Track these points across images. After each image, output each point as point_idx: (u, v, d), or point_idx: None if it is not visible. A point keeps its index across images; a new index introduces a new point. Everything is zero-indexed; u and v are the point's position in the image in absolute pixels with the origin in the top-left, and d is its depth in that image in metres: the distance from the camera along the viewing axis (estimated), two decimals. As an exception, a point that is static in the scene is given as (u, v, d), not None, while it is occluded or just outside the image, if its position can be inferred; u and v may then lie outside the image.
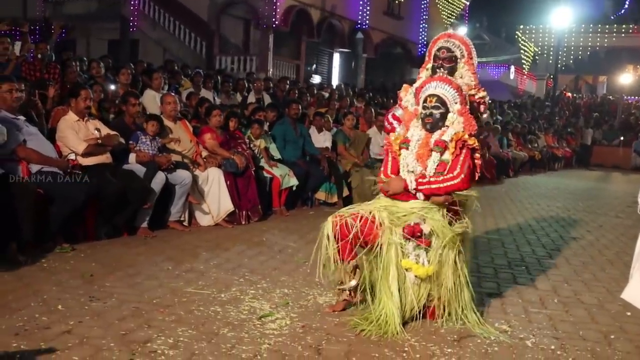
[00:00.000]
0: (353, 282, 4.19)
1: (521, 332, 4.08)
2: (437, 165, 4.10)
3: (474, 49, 4.57)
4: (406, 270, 4.01)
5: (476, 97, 4.49)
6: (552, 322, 4.34)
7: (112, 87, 8.65)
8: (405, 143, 4.26)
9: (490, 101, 5.06)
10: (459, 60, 4.49)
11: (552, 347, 3.85)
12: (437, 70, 4.45)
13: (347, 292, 4.24)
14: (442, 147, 4.10)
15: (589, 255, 6.66)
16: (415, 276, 4.00)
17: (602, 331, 4.20)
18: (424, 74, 4.62)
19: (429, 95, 4.20)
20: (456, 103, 4.18)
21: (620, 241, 7.63)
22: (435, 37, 4.64)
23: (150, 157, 6.48)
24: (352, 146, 9.59)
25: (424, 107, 4.22)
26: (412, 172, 4.16)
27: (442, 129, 4.17)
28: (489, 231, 7.69)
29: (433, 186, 4.06)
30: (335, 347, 3.61)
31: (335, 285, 4.29)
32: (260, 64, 19.59)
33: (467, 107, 4.27)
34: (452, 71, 4.46)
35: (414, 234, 3.98)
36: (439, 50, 4.48)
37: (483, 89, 4.56)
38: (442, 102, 4.17)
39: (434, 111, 4.17)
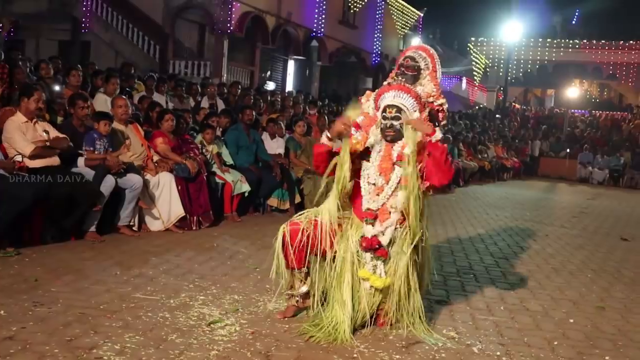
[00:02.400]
0: (304, 288, 4.19)
1: (468, 338, 4.15)
2: (400, 180, 4.06)
3: (439, 63, 4.69)
4: (363, 279, 4.02)
5: (435, 104, 4.56)
6: (499, 328, 4.42)
7: (57, 87, 8.48)
8: (367, 155, 4.17)
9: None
10: (422, 71, 4.59)
11: (498, 353, 3.92)
12: (399, 77, 4.52)
13: (297, 298, 4.24)
14: (404, 161, 4.05)
15: (535, 264, 6.80)
16: (371, 286, 4.02)
17: (546, 337, 4.30)
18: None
19: (388, 106, 4.16)
20: (415, 111, 4.16)
21: (566, 250, 7.82)
22: (406, 48, 4.79)
23: (100, 160, 6.38)
24: (304, 153, 9.61)
25: (384, 118, 4.18)
26: (374, 184, 4.11)
27: (404, 140, 4.11)
28: (439, 239, 7.79)
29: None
30: (285, 354, 3.61)
31: (285, 291, 4.28)
32: (214, 69, 19.46)
33: (426, 114, 4.30)
34: (413, 81, 4.55)
35: (371, 246, 4.00)
36: (404, 59, 4.62)
37: (443, 96, 4.65)
38: (401, 112, 4.15)
39: (394, 122, 4.12)
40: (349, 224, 4.17)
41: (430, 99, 4.56)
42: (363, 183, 4.15)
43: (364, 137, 4.17)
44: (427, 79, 4.60)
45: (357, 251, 4.04)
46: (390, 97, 4.18)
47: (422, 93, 4.41)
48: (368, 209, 4.08)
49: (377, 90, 4.42)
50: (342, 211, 4.14)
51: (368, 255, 4.03)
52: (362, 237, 4.06)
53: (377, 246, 4.00)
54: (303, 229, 4.04)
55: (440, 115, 4.66)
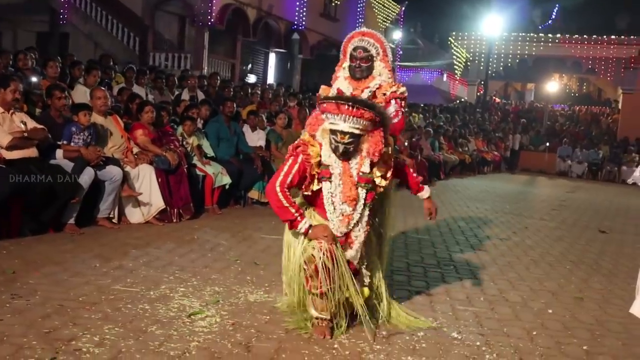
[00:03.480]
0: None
1: (448, 328, 4.17)
2: (366, 198, 3.86)
3: (388, 46, 4.52)
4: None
5: (398, 92, 4.43)
6: (478, 319, 4.45)
7: (34, 79, 8.38)
8: (328, 177, 3.82)
9: (423, 105, 5.06)
10: (375, 58, 4.42)
11: (478, 343, 3.95)
12: (356, 69, 4.36)
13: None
14: (368, 183, 3.84)
15: (515, 256, 6.85)
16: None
17: (525, 328, 4.33)
18: (340, 73, 4.52)
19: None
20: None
21: (545, 242, 7.89)
22: (349, 35, 4.52)
23: (79, 152, 6.31)
24: (285, 145, 9.58)
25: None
26: (342, 212, 3.81)
27: (359, 156, 3.80)
28: (420, 231, 7.82)
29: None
30: (265, 345, 3.61)
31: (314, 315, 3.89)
32: (195, 62, 19.35)
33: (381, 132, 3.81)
34: (369, 70, 4.40)
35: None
36: (355, 50, 4.38)
37: (401, 84, 4.50)
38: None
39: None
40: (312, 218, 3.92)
41: (393, 88, 4.37)
42: (328, 206, 3.83)
43: (311, 140, 3.89)
44: (382, 66, 4.43)
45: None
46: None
47: (383, 84, 4.34)
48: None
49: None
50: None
51: None
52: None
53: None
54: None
55: (403, 102, 4.47)
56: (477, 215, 9.87)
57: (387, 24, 30.04)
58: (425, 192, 4.31)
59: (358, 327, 4.01)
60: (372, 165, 3.83)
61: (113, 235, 6.24)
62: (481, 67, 31.78)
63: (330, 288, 3.73)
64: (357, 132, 3.69)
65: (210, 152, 8.44)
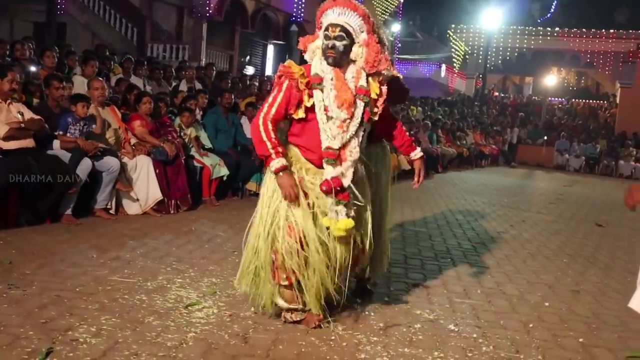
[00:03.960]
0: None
1: (445, 321, 4.18)
2: (363, 113, 3.68)
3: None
4: (327, 229, 3.63)
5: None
6: (475, 311, 4.45)
7: (33, 68, 8.35)
8: (318, 83, 3.63)
9: (421, 98, 4.97)
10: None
11: (474, 335, 3.96)
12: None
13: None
14: (367, 95, 3.68)
15: (512, 249, 6.86)
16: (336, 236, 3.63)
17: (522, 320, 4.34)
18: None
19: (331, 25, 3.65)
20: (362, 32, 3.69)
21: (542, 236, 7.89)
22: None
23: (75, 143, 6.30)
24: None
25: (326, 37, 3.66)
26: (335, 118, 3.62)
27: (355, 69, 3.68)
28: (417, 224, 7.82)
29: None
30: (263, 336, 3.61)
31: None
32: (193, 53, 19.32)
33: (375, 37, 3.70)
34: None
35: (331, 189, 3.58)
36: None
37: (394, 66, 3.98)
38: (346, 33, 3.64)
39: (337, 43, 3.63)
40: (301, 170, 3.72)
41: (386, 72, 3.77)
42: (320, 116, 3.61)
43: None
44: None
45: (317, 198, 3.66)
46: (334, 15, 3.66)
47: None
48: (328, 147, 3.62)
49: (319, 7, 3.77)
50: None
51: (329, 200, 3.62)
52: (322, 180, 3.63)
53: (338, 188, 3.60)
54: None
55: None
56: (475, 209, 9.87)
57: (386, 17, 30.00)
58: (417, 152, 4.25)
59: (355, 318, 4.02)
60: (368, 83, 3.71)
61: (110, 226, 6.23)
62: (480, 61, 31.66)
63: (302, 277, 3.64)
64: (348, 27, 3.61)
65: (207, 143, 8.43)
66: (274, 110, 3.64)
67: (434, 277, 5.33)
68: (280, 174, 3.58)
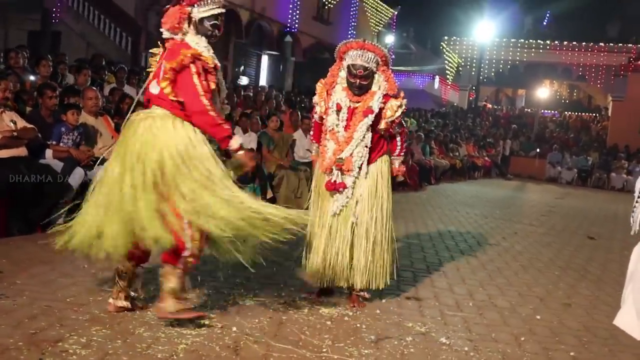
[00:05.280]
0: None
1: (437, 334, 4.18)
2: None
3: (389, 56, 4.65)
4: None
5: (403, 108, 4.56)
6: (467, 324, 4.46)
7: (32, 77, 8.35)
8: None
9: (412, 108, 5.17)
10: (375, 71, 4.49)
11: (466, 348, 3.96)
12: (354, 87, 4.46)
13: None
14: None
15: (504, 261, 6.87)
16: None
17: (513, 333, 4.35)
18: (339, 81, 4.57)
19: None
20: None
21: (534, 248, 7.92)
22: (347, 42, 4.53)
23: (68, 152, 6.28)
24: (276, 148, 9.58)
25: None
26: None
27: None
28: (410, 236, 7.83)
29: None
30: (254, 347, 3.60)
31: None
32: (187, 63, 19.29)
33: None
34: (369, 86, 4.49)
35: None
36: (355, 68, 4.42)
37: (403, 96, 4.58)
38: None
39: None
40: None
41: (398, 113, 4.52)
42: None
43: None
44: (382, 78, 4.52)
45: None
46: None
47: (384, 104, 4.49)
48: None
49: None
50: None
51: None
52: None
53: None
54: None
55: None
56: (467, 220, 9.89)
57: (380, 28, 30.09)
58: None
59: (347, 331, 4.02)
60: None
61: (102, 236, 6.19)
62: (473, 73, 31.85)
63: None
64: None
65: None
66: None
67: (426, 289, 5.33)
68: (241, 151, 3.91)
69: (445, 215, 10.40)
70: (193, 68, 3.77)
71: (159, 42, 4.05)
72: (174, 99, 3.78)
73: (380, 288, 4.62)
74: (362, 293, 4.61)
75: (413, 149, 15.43)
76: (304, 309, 4.40)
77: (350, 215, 4.47)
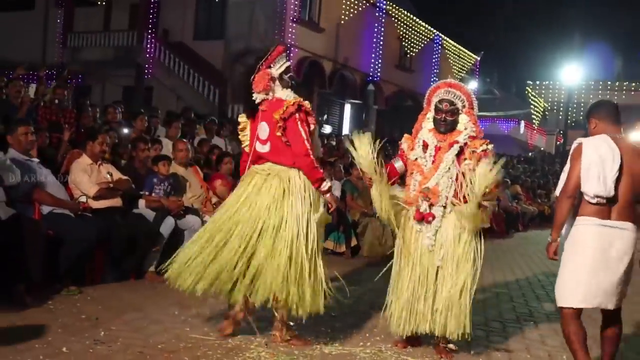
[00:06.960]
0: None
1: (529, 388, 4.03)
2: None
3: (474, 98, 4.63)
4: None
5: (487, 150, 4.47)
6: (561, 378, 4.28)
7: (126, 131, 8.77)
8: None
9: (497, 154, 5.06)
10: (460, 111, 4.53)
11: (561, 404, 3.79)
12: (441, 123, 4.50)
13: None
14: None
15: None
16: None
17: (612, 389, 4.13)
18: (425, 124, 4.65)
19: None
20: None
21: (637, 296, 7.52)
22: (434, 85, 4.70)
23: (160, 202, 6.52)
24: (360, 196, 9.61)
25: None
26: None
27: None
28: (498, 285, 7.63)
29: None
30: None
31: None
32: (272, 113, 19.75)
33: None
34: (454, 123, 4.51)
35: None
36: (440, 102, 4.51)
37: (488, 141, 4.54)
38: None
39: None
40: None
41: (483, 147, 4.46)
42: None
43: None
44: (467, 120, 4.53)
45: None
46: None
47: (469, 141, 4.49)
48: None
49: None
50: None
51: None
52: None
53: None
54: None
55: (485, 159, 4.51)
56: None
57: (463, 74, 30.00)
58: None
59: None
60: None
61: (191, 284, 6.34)
62: (560, 117, 31.16)
63: None
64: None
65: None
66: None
67: (517, 341, 5.17)
68: (329, 194, 4.60)
69: (535, 263, 10.08)
70: (297, 115, 4.32)
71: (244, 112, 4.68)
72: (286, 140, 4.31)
73: (468, 338, 4.49)
74: (450, 345, 4.50)
75: (499, 195, 15.12)
76: (390, 359, 4.34)
77: (435, 260, 4.41)
